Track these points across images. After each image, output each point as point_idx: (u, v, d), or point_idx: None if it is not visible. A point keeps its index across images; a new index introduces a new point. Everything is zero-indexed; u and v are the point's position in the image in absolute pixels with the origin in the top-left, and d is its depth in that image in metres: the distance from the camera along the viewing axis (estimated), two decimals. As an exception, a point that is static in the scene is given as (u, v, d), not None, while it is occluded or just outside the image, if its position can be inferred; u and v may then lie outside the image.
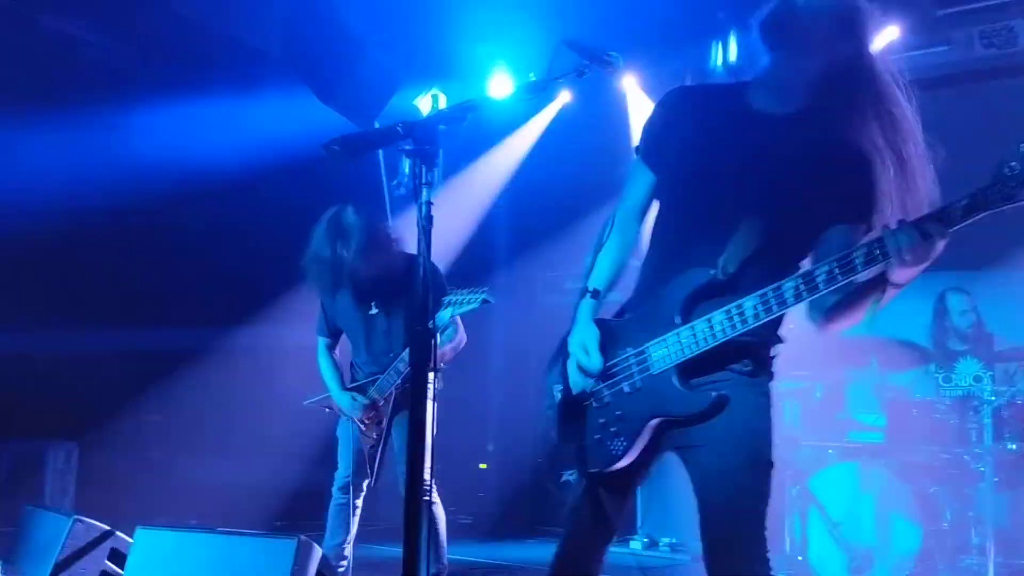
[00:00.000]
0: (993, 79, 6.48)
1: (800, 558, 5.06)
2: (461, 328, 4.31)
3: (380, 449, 4.31)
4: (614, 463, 2.33)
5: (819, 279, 2.07)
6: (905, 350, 5.58)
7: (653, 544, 6.35)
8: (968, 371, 5.14)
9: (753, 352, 2.29)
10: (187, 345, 6.52)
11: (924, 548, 4.75)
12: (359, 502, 4.41)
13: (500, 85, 6.98)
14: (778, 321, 2.26)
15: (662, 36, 6.23)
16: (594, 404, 2.40)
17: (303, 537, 3.49)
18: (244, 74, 6.43)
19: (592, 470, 2.38)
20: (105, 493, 5.67)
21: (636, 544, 6.51)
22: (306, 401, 4.58)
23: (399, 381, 4.18)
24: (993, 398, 4.88)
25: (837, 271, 2.05)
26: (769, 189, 2.23)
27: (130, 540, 3.76)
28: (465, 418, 7.48)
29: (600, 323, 2.42)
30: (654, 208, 2.49)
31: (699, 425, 2.25)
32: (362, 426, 4.35)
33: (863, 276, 2.05)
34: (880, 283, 2.10)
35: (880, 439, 5.42)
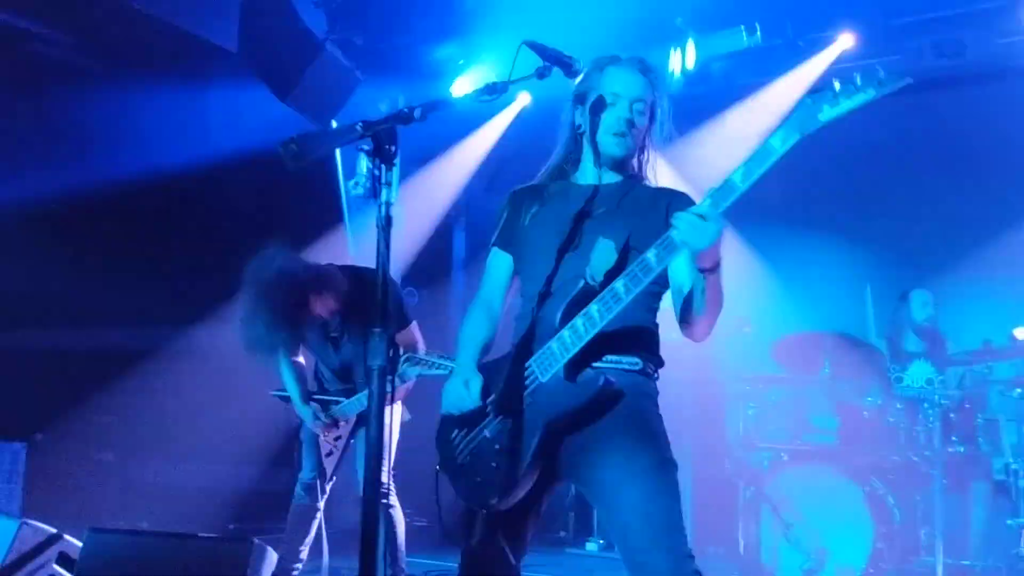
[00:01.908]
0: (943, 89, 6.60)
1: (753, 559, 5.10)
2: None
3: (340, 452, 4.31)
4: (515, 489, 2.37)
5: (671, 238, 2.23)
6: (859, 353, 5.66)
7: (609, 546, 6.38)
8: (920, 374, 5.23)
9: (640, 353, 2.44)
10: (140, 344, 6.42)
11: (875, 549, 4.83)
12: (321, 504, 4.38)
13: (460, 86, 6.97)
14: (652, 334, 2.48)
15: (620, 42, 6.25)
16: (487, 435, 2.44)
17: (257, 540, 3.45)
18: (201, 70, 6.35)
19: (491, 501, 2.41)
20: (54, 495, 5.57)
21: (592, 546, 6.54)
22: (273, 392, 4.54)
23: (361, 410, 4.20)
24: (943, 402, 4.97)
25: (662, 250, 2.24)
26: (614, 222, 2.47)
27: (79, 544, 3.69)
28: (424, 420, 7.45)
29: (481, 367, 2.53)
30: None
31: (596, 440, 2.33)
32: (322, 435, 4.34)
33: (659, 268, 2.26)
34: (695, 273, 2.30)
35: (833, 442, 5.49)
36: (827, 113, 2.05)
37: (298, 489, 4.40)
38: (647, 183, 2.62)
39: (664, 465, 2.34)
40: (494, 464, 2.41)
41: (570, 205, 2.57)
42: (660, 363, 2.52)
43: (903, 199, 6.77)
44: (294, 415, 4.45)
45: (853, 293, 6.77)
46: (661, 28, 6.37)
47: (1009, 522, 4.96)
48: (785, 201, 6.97)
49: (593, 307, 2.31)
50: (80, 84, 6.21)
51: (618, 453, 2.32)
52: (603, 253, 2.41)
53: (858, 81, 2.05)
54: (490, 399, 2.46)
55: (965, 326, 5.83)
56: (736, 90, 6.93)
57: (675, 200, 2.50)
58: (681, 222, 2.16)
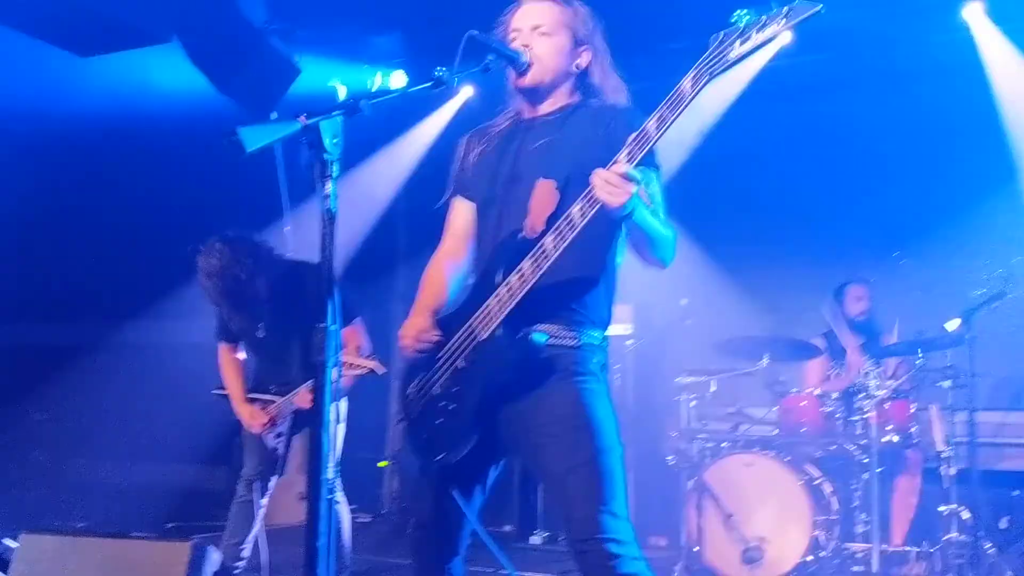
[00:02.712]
0: (880, 84, 6.75)
1: (696, 548, 5.17)
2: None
3: (286, 444, 4.25)
4: (459, 445, 2.37)
5: (592, 198, 2.18)
6: (797, 346, 5.77)
7: (554, 539, 6.40)
8: (859, 367, 5.34)
9: (582, 327, 2.41)
10: (74, 340, 6.27)
11: (813, 536, 4.92)
12: (264, 501, 4.32)
13: (404, 77, 6.92)
14: (598, 297, 2.44)
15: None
16: (435, 391, 2.45)
17: (197, 539, 3.39)
18: (137, 57, 6.21)
19: (436, 457, 2.41)
20: (-15, 497, 5.42)
21: (536, 539, 6.55)
22: (214, 390, 4.47)
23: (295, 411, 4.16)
24: (878, 392, 5.08)
25: (586, 205, 2.21)
26: (553, 158, 2.42)
27: (14, 546, 3.59)
28: (366, 415, 7.40)
29: (437, 322, 2.51)
30: None
31: (539, 421, 2.33)
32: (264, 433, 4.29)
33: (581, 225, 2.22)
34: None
35: (772, 432, 5.59)
36: (737, 51, 1.99)
37: (240, 486, 4.34)
38: (588, 105, 2.53)
39: (606, 453, 2.33)
40: (439, 421, 2.42)
41: (511, 143, 2.55)
42: (605, 328, 2.49)
43: (839, 194, 6.90)
44: (231, 410, 4.39)
45: (792, 288, 6.89)
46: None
47: (940, 508, 5.09)
48: (726, 195, 7.08)
49: (525, 263, 2.29)
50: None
51: (561, 441, 2.32)
52: (543, 196, 2.37)
53: (766, 16, 1.99)
54: (442, 351, 2.45)
55: (899, 319, 5.96)
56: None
57: (615, 121, 2.43)
58: (598, 179, 2.13)
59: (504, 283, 2.32)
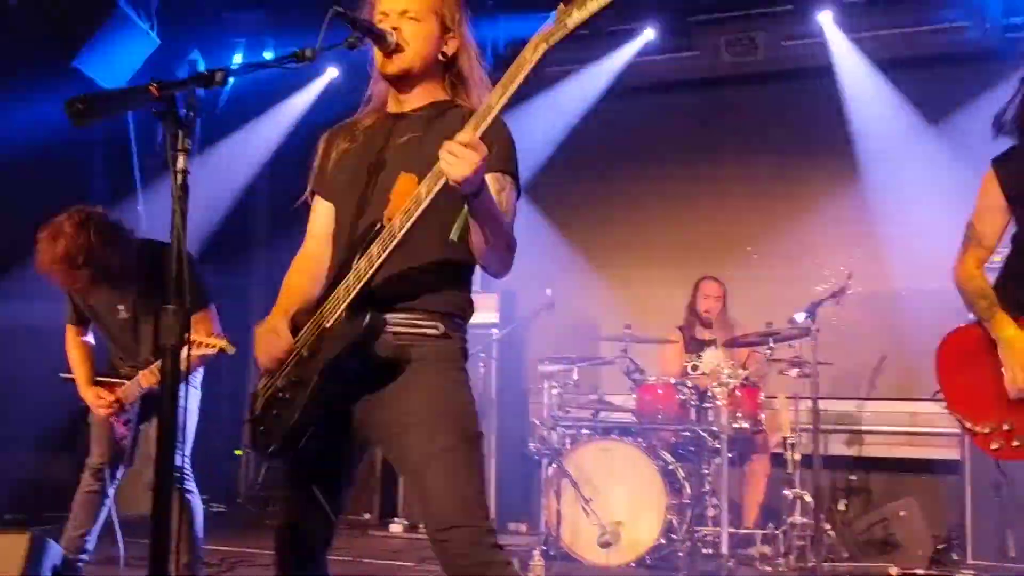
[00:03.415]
0: (739, 84, 6.99)
1: (554, 534, 5.25)
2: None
3: (134, 430, 4.08)
4: (293, 436, 2.31)
5: (438, 168, 2.13)
6: (656, 336, 5.93)
7: (413, 527, 6.38)
8: (712, 360, 5.53)
9: (441, 316, 2.36)
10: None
11: (666, 520, 5.07)
12: (112, 491, 4.13)
13: (265, 52, 6.72)
14: (455, 285, 2.40)
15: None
16: (279, 383, 2.39)
17: (36, 531, 3.21)
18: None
19: (269, 449, 2.36)
20: None
21: (396, 527, 6.52)
22: (62, 374, 4.23)
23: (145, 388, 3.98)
24: (730, 381, 5.27)
25: (432, 175, 2.16)
26: (418, 154, 2.36)
27: None
28: (221, 402, 7.18)
29: (292, 319, 2.44)
30: None
31: (399, 410, 2.29)
32: (113, 419, 4.09)
33: (429, 198, 2.15)
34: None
35: (629, 418, 5.72)
36: (575, 17, 1.98)
37: (85, 475, 4.13)
38: (459, 108, 2.47)
39: (465, 442, 2.31)
40: (275, 412, 2.36)
41: (374, 138, 2.49)
42: (466, 314, 2.44)
43: (697, 190, 7.12)
44: (77, 396, 4.17)
45: (652, 280, 7.07)
46: (472, 8, 6.39)
47: (785, 492, 5.34)
48: (590, 189, 7.21)
49: (374, 247, 2.23)
50: None
51: (419, 429, 2.29)
52: (404, 188, 2.29)
53: None
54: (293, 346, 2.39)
55: (750, 311, 6.20)
56: (543, 77, 7.07)
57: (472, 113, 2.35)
58: (444, 151, 2.07)
59: (352, 269, 2.27)
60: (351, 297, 2.25)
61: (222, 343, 3.83)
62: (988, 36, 6.16)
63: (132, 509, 4.97)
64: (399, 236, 2.18)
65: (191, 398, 4.12)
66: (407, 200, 2.20)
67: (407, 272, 2.29)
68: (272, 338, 2.39)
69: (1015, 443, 2.85)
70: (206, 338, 3.81)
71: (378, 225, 2.27)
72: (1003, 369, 2.85)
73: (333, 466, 2.44)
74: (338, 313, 2.27)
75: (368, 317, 2.23)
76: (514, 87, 2.05)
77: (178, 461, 4.03)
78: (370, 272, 2.22)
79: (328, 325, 2.29)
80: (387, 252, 2.20)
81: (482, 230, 2.22)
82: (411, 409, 2.30)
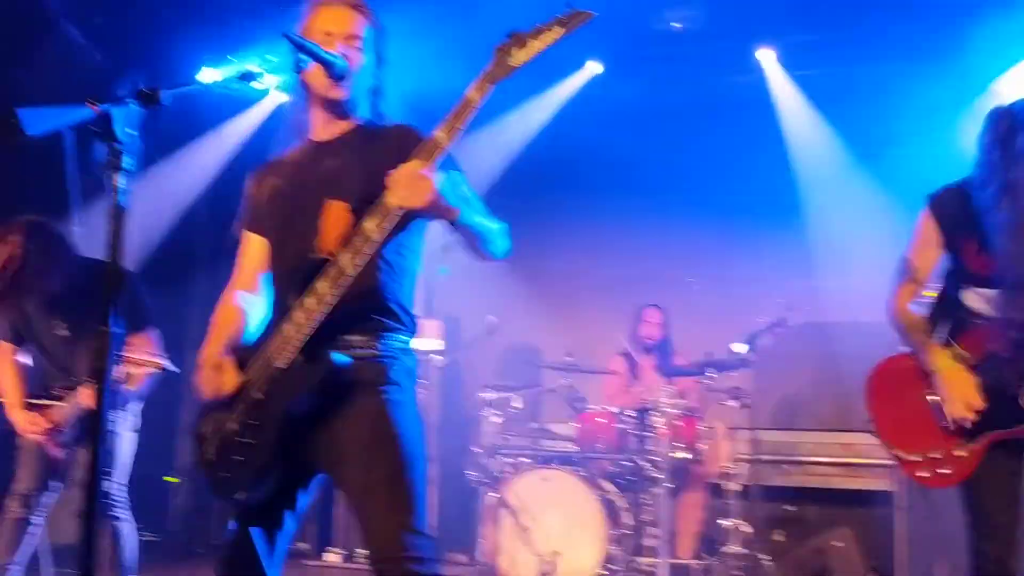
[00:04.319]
0: (681, 118, 7.08)
1: (492, 564, 5.20)
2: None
3: (71, 454, 3.96)
4: (259, 482, 2.31)
5: (385, 203, 2.18)
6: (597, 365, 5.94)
7: (349, 556, 6.27)
8: (654, 386, 5.56)
9: (383, 338, 2.37)
10: None
11: (606, 550, 5.06)
12: (40, 520, 3.99)
13: (210, 74, 6.63)
14: (397, 307, 2.40)
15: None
16: (231, 426, 2.35)
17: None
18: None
19: (237, 495, 2.35)
20: None
21: (333, 556, 6.40)
22: None
23: (79, 415, 3.87)
24: (669, 410, 5.30)
25: (382, 220, 2.20)
26: (344, 180, 2.38)
27: None
28: (153, 427, 7.01)
29: (231, 353, 2.43)
30: None
31: (342, 436, 2.29)
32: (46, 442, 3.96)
33: (381, 233, 2.20)
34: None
35: (570, 447, 5.72)
36: (518, 57, 2.06)
37: (10, 502, 3.98)
38: (382, 129, 2.49)
39: (406, 468, 2.29)
40: (239, 457, 2.32)
41: (303, 168, 2.48)
42: (410, 333, 2.45)
43: (640, 218, 7.19)
44: (4, 419, 4.04)
45: (594, 308, 7.11)
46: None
47: (722, 522, 5.37)
48: (533, 215, 7.23)
49: (320, 284, 2.23)
50: None
51: (361, 456, 2.28)
52: (335, 217, 2.29)
53: (545, 22, 2.07)
54: (239, 385, 2.35)
55: (691, 339, 6.26)
56: (491, 108, 7.10)
57: (405, 137, 2.38)
58: (393, 182, 2.12)
59: (298, 306, 2.25)
60: (303, 337, 2.23)
61: (158, 361, 3.75)
62: (918, 75, 6.33)
63: (62, 538, 4.82)
64: (351, 275, 2.19)
65: (125, 423, 4.02)
66: (350, 234, 2.20)
67: (349, 300, 2.27)
68: (216, 375, 2.36)
69: (942, 471, 2.90)
70: (142, 356, 3.73)
71: (311, 255, 2.27)
72: (940, 400, 2.91)
73: (282, 503, 2.42)
74: (290, 354, 2.26)
75: (329, 362, 2.23)
76: (460, 126, 2.12)
77: (110, 488, 3.93)
78: (321, 311, 2.22)
79: (281, 366, 2.27)
80: (340, 291, 2.20)
81: (469, 232, 2.28)
82: (354, 434, 2.29)
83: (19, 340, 4.12)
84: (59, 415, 3.93)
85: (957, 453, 2.88)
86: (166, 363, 3.76)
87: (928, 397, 2.95)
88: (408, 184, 2.08)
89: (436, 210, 2.16)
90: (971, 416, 2.84)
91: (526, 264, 7.17)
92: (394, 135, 2.42)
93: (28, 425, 3.91)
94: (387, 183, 2.12)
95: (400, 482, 2.27)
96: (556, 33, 2.05)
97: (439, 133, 2.15)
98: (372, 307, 2.36)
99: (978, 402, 2.84)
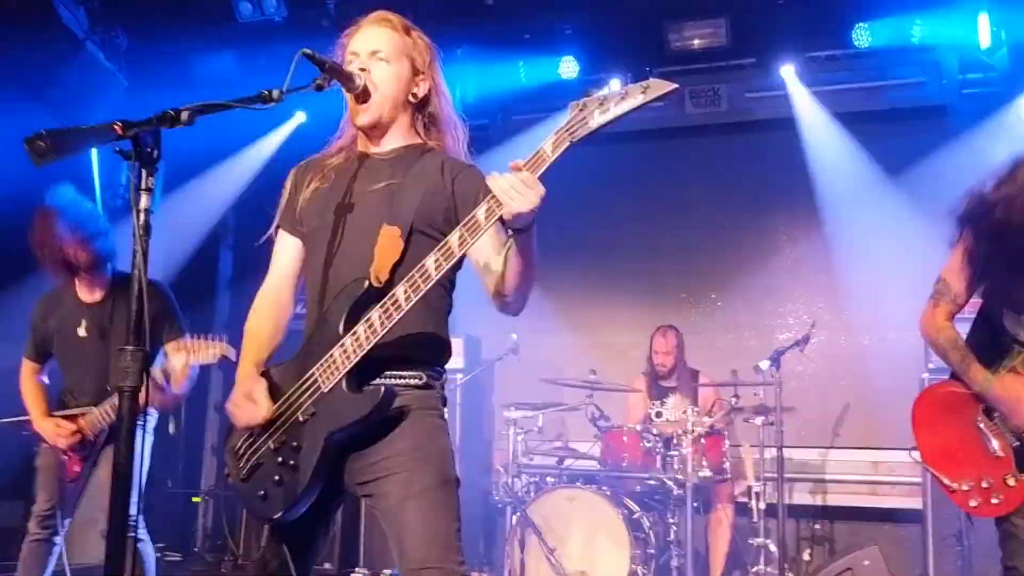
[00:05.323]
0: (703, 135, 7.09)
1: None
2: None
3: (84, 480, 3.94)
4: (300, 502, 2.30)
5: (453, 244, 2.16)
6: (620, 382, 5.91)
7: (375, 576, 6.26)
8: (678, 406, 5.53)
9: (423, 365, 2.39)
10: None
11: (631, 571, 5.02)
12: (59, 539, 4.00)
13: (235, 96, 6.70)
14: (438, 338, 2.41)
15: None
16: (271, 445, 2.36)
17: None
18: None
19: (275, 516, 2.33)
20: None
21: (357, 576, 6.40)
22: (2, 420, 4.12)
23: (113, 418, 3.87)
24: (695, 429, 5.26)
25: (465, 232, 2.16)
26: (397, 204, 2.39)
27: None
28: (180, 449, 7.04)
29: (264, 373, 2.43)
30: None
31: (381, 456, 2.29)
32: (65, 456, 3.97)
33: (487, 228, 2.15)
34: (507, 235, 2.23)
35: (594, 466, 5.68)
36: (597, 120, 2.05)
37: (31, 523, 4.00)
38: (433, 151, 2.49)
39: (444, 485, 2.31)
40: (277, 477, 2.32)
41: (348, 181, 2.46)
42: (445, 363, 2.47)
43: (663, 238, 7.17)
44: (25, 440, 4.06)
45: (617, 326, 7.08)
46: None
47: (750, 541, 5.31)
48: (557, 235, 7.22)
49: (375, 314, 2.23)
50: None
51: (400, 472, 2.28)
52: (388, 244, 2.30)
53: (626, 88, 2.05)
54: (276, 407, 2.35)
55: (711, 359, 6.23)
56: (512, 125, 7.15)
57: (466, 178, 2.40)
58: (498, 187, 2.07)
59: (351, 333, 2.26)
60: (351, 364, 2.25)
61: (221, 347, 3.71)
62: (945, 92, 6.31)
63: (82, 559, 4.83)
64: (405, 309, 2.19)
65: (144, 443, 4.03)
66: (413, 271, 2.20)
67: (399, 331, 2.26)
68: (250, 406, 2.36)
69: (994, 500, 2.84)
70: (203, 343, 3.72)
71: (367, 283, 2.28)
72: (1001, 415, 2.86)
73: (314, 520, 2.42)
74: (337, 379, 2.27)
75: (381, 395, 2.24)
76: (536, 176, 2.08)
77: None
78: (373, 342, 2.22)
79: (326, 391, 2.28)
80: (392, 324, 2.20)
81: (522, 266, 2.25)
82: (393, 454, 2.30)
83: (42, 356, 4.17)
84: (88, 423, 3.94)
85: (1009, 482, 2.83)
86: (225, 348, 3.70)
87: (979, 424, 2.91)
88: (521, 191, 2.06)
89: (525, 221, 2.12)
90: None
91: (549, 282, 7.17)
92: (455, 171, 2.43)
93: (56, 431, 3.93)
94: (493, 190, 2.08)
95: (437, 495, 2.28)
96: (637, 101, 2.03)
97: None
98: (419, 339, 2.36)
99: None
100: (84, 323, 4.03)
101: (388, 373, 2.33)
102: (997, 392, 2.86)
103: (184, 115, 1.92)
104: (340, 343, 2.27)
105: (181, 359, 3.71)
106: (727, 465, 5.50)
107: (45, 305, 4.15)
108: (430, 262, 2.18)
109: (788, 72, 6.64)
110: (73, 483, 3.96)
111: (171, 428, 4.15)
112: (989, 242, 2.91)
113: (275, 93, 2.14)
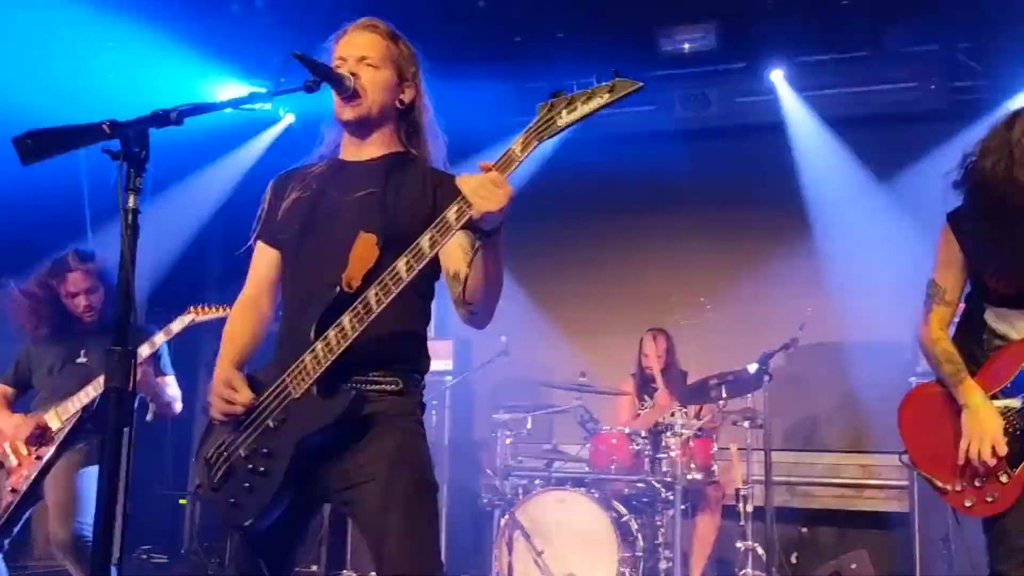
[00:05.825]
0: (692, 139, 7.10)
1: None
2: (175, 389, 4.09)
3: (21, 495, 3.82)
4: (270, 509, 2.29)
5: (424, 246, 2.15)
6: (609, 385, 5.91)
7: (362, 578, 6.25)
8: (665, 406, 5.53)
9: (400, 372, 2.38)
10: None
11: (619, 573, 5.02)
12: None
13: (222, 95, 6.68)
14: (415, 344, 2.42)
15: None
16: (241, 452, 2.35)
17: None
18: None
19: (246, 523, 2.32)
20: None
21: (344, 579, 6.38)
22: None
23: (86, 405, 3.84)
24: (683, 431, 5.26)
25: (436, 234, 2.14)
26: (375, 211, 2.38)
27: None
28: (167, 451, 7.01)
29: (247, 378, 2.43)
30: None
31: (357, 462, 2.29)
32: (14, 459, 3.86)
33: (458, 229, 2.13)
34: (475, 239, 2.20)
35: (583, 469, 5.68)
36: (565, 118, 2.06)
37: None
38: (416, 160, 2.50)
39: (422, 492, 2.31)
40: (247, 484, 2.31)
41: (328, 189, 2.47)
42: (424, 370, 2.47)
43: (652, 240, 7.18)
44: None
45: (606, 329, 7.08)
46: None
47: (737, 544, 5.32)
48: (547, 237, 7.24)
49: (345, 319, 2.22)
50: None
51: (377, 479, 2.27)
52: (363, 251, 2.30)
53: (593, 87, 2.07)
54: (246, 415, 2.35)
55: (701, 360, 6.23)
56: (502, 128, 7.13)
57: (443, 185, 2.39)
58: (467, 186, 2.05)
59: (321, 338, 2.25)
60: (322, 369, 2.24)
61: (223, 311, 3.72)
62: (935, 97, 6.34)
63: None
64: (376, 312, 2.19)
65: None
66: (382, 271, 2.19)
67: (370, 334, 2.25)
68: (228, 392, 2.36)
69: (988, 499, 2.82)
70: (204, 307, 3.75)
71: (338, 289, 2.27)
72: (963, 436, 2.84)
73: (289, 528, 2.41)
74: (308, 384, 2.26)
75: (351, 398, 2.24)
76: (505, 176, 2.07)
77: (83, 531, 3.77)
78: (343, 347, 2.22)
79: (296, 396, 2.28)
80: (363, 327, 2.20)
81: (486, 272, 2.22)
82: (369, 461, 2.29)
83: (20, 385, 4.14)
84: (53, 413, 3.89)
85: (1003, 479, 2.82)
86: (227, 310, 3.69)
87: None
88: (489, 190, 2.04)
89: (493, 222, 2.10)
90: (992, 461, 2.77)
91: (538, 285, 7.18)
92: (435, 181, 2.43)
93: (17, 427, 3.88)
94: (464, 184, 2.06)
95: (415, 503, 2.28)
96: (604, 100, 2.04)
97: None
98: (392, 344, 2.36)
99: (1002, 447, 2.76)
100: (83, 350, 4.03)
101: (363, 379, 2.32)
102: (973, 419, 2.84)
103: (172, 115, 1.91)
104: (311, 348, 2.26)
105: (182, 322, 3.76)
106: (715, 467, 5.51)
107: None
108: (401, 264, 2.17)
109: (778, 76, 6.66)
110: (11, 499, 3.82)
111: (148, 415, 4.10)
112: (969, 212, 2.89)
113: (263, 94, 2.14)
